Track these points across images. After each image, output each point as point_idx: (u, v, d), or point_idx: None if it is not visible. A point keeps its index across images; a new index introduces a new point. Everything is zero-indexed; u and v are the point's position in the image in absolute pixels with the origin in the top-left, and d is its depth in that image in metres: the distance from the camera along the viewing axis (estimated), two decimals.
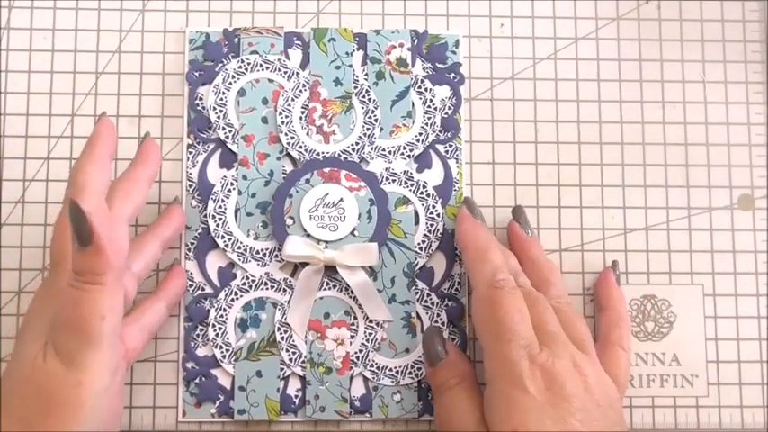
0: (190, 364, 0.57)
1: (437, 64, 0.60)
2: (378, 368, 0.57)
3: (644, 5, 0.62)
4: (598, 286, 0.58)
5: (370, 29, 0.60)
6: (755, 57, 0.62)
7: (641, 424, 0.58)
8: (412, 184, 0.58)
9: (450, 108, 0.60)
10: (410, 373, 0.57)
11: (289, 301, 0.57)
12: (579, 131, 0.61)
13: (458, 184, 0.59)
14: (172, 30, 0.60)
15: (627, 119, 0.61)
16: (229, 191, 0.58)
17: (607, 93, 0.61)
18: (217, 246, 0.58)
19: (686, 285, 0.60)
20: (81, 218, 0.43)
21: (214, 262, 0.58)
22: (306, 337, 0.57)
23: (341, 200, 0.57)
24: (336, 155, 0.58)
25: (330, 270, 0.57)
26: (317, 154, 0.58)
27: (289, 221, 0.57)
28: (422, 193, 0.58)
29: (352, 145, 0.58)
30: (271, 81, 0.59)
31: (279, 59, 0.59)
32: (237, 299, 0.57)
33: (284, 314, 0.57)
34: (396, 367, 0.57)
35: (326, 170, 0.58)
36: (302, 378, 0.57)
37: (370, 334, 0.57)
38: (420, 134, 0.59)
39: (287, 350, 0.57)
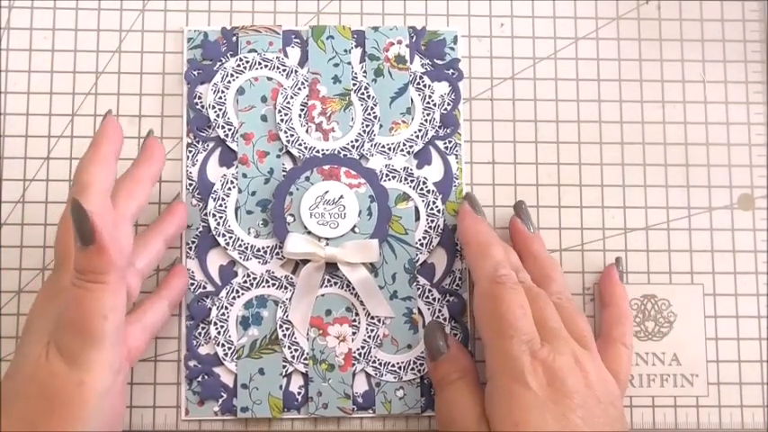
0: (192, 363, 0.57)
1: (435, 60, 0.60)
2: (380, 364, 0.57)
3: (644, 5, 0.62)
4: (601, 283, 0.58)
5: (369, 26, 0.60)
6: (755, 57, 0.62)
7: (641, 423, 0.58)
8: (412, 181, 0.58)
9: (449, 104, 0.60)
10: (412, 369, 0.57)
11: (290, 299, 0.57)
12: (579, 131, 0.61)
13: (458, 179, 0.59)
14: (172, 30, 0.61)
15: (627, 119, 0.61)
16: (229, 189, 0.58)
17: (607, 93, 0.61)
18: (218, 244, 0.58)
19: (686, 285, 0.60)
20: (84, 217, 0.43)
21: (215, 260, 0.58)
22: (308, 334, 0.57)
23: (341, 197, 0.57)
24: (336, 152, 0.58)
25: (331, 267, 0.57)
26: (317, 151, 0.58)
27: (289, 219, 0.57)
28: (422, 189, 0.58)
29: (352, 142, 0.58)
30: (270, 79, 0.59)
31: (277, 57, 0.59)
32: (239, 297, 0.57)
33: (286, 312, 0.57)
34: (398, 363, 0.57)
35: (326, 167, 0.58)
36: (305, 375, 0.57)
37: (372, 330, 0.57)
38: (419, 130, 0.59)
39: (289, 347, 0.56)
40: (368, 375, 0.57)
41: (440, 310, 0.58)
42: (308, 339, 0.57)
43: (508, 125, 0.61)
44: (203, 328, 0.57)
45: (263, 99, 0.59)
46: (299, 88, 0.59)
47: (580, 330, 0.51)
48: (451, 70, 0.60)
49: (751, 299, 0.60)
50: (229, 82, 0.59)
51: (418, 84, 0.60)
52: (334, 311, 0.57)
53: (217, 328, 0.57)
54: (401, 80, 0.60)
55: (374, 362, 0.57)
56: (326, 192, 0.57)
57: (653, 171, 0.61)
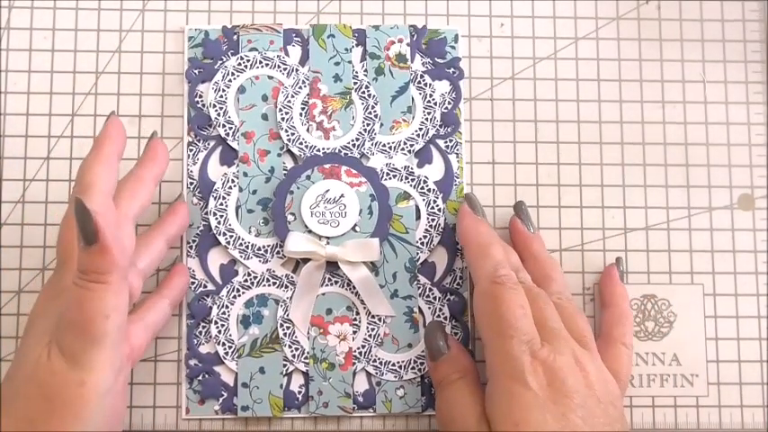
0: (193, 362, 0.57)
1: (436, 59, 0.60)
2: (381, 363, 0.57)
3: (644, 5, 0.62)
4: (601, 283, 0.58)
5: (369, 25, 0.60)
6: (755, 57, 0.62)
7: (641, 423, 0.58)
8: (413, 179, 0.58)
9: (449, 103, 0.60)
10: (413, 368, 0.57)
11: (291, 298, 0.57)
12: (579, 131, 0.61)
13: (458, 178, 0.59)
14: (172, 29, 0.61)
15: (627, 119, 0.61)
16: (230, 188, 0.58)
17: (607, 93, 0.61)
18: (218, 243, 0.58)
19: (686, 285, 0.60)
20: (87, 217, 0.43)
21: (216, 259, 0.58)
22: (308, 333, 0.57)
23: (342, 196, 0.57)
24: (337, 151, 0.58)
25: (332, 266, 0.57)
26: (318, 150, 0.58)
27: (290, 218, 0.57)
28: (422, 187, 0.58)
29: (353, 141, 0.58)
30: (270, 78, 0.59)
31: (278, 56, 0.59)
32: (240, 296, 0.57)
33: (286, 310, 0.57)
34: (399, 362, 0.57)
35: (327, 166, 0.58)
36: (305, 374, 0.57)
37: (373, 329, 0.57)
38: (420, 129, 0.59)
39: (290, 346, 0.56)
40: (368, 374, 0.57)
41: (440, 309, 0.58)
42: (308, 338, 0.57)
43: (508, 125, 0.61)
44: (204, 327, 0.57)
45: (264, 98, 0.59)
46: (300, 87, 0.59)
47: (580, 330, 0.52)
48: (452, 69, 0.60)
49: (751, 299, 0.60)
50: (230, 81, 0.59)
51: (419, 82, 0.60)
52: (335, 310, 0.57)
53: (217, 327, 0.57)
54: (402, 79, 0.60)
55: (375, 361, 0.57)
56: (327, 190, 0.57)
57: (653, 171, 0.61)
